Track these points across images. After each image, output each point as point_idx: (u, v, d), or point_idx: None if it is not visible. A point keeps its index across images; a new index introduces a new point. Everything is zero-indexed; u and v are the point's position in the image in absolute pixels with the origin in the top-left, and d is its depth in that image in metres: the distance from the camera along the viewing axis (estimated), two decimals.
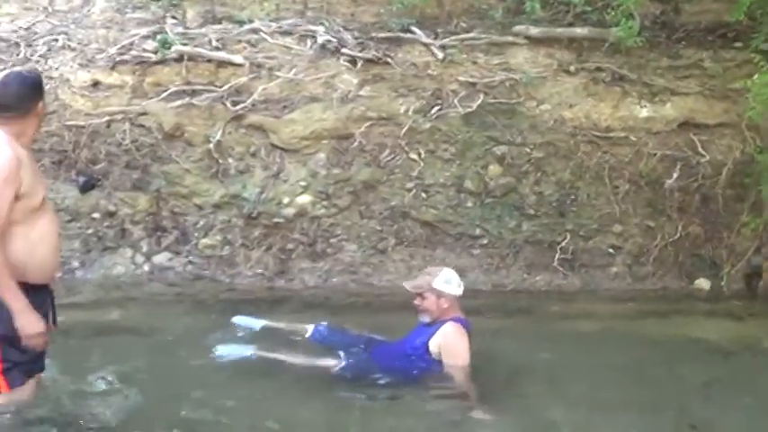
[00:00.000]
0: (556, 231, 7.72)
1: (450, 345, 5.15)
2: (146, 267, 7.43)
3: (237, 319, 5.93)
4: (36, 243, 4.00)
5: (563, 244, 7.68)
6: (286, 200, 7.51)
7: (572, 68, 8.00)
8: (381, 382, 5.16)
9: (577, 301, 7.41)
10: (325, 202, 7.55)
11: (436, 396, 5.09)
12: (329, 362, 5.23)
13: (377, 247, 7.55)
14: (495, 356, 5.86)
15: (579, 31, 8.14)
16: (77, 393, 5.00)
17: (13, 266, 3.87)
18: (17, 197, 3.85)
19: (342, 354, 5.32)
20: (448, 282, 5.23)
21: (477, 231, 7.64)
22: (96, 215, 7.45)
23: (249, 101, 7.58)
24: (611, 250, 7.78)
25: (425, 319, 5.19)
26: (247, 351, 5.46)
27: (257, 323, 5.87)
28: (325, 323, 5.82)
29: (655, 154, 7.83)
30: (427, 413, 4.94)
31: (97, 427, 4.63)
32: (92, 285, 7.26)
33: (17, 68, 4.15)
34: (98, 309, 6.76)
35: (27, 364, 4.09)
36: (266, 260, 7.41)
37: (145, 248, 7.47)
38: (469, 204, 7.66)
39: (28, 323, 3.97)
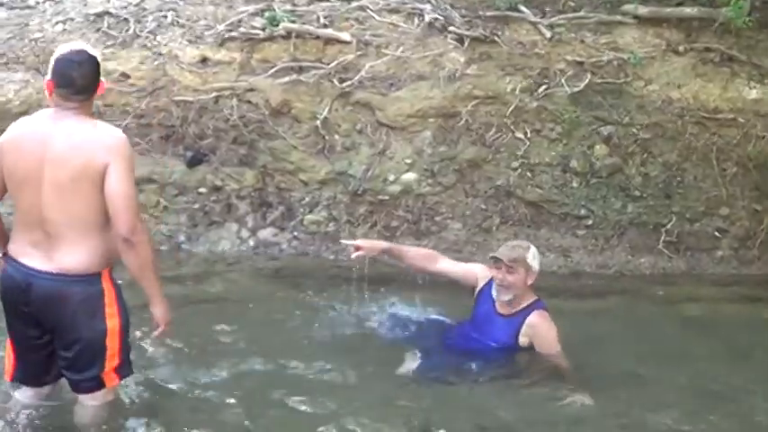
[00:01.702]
0: (661, 213, 7.63)
1: (542, 336, 5.12)
2: (251, 242, 7.45)
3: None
4: None
5: (668, 226, 7.60)
6: (391, 177, 7.50)
7: (680, 49, 7.87)
8: (467, 368, 5.17)
9: (682, 285, 7.35)
10: (430, 180, 7.52)
11: (533, 381, 5.11)
12: (407, 365, 5.18)
13: (481, 225, 7.52)
14: (596, 339, 5.86)
15: (688, 10, 8.01)
16: (177, 362, 5.11)
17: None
18: None
19: (417, 352, 5.26)
20: (536, 258, 5.19)
21: (582, 212, 7.57)
22: (203, 190, 7.48)
23: (356, 78, 7.55)
24: (717, 233, 7.68)
25: (506, 296, 5.10)
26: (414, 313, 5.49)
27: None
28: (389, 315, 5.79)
29: (763, 136, 7.72)
30: (525, 397, 4.98)
31: (197, 395, 4.78)
32: (197, 259, 7.32)
33: (75, 46, 3.97)
34: (203, 282, 6.86)
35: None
36: (371, 237, 7.33)
37: (250, 224, 7.49)
38: (575, 184, 7.59)
39: (166, 312, 4.05)
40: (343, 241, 5.70)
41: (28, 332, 4.02)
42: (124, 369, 4.10)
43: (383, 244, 5.65)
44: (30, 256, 3.87)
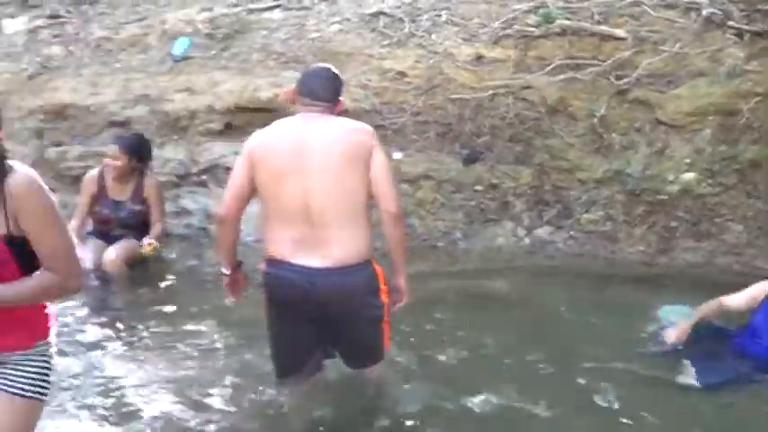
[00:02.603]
0: None
1: None
2: (527, 240, 7.50)
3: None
4: None
5: None
6: (670, 177, 7.37)
7: None
8: (752, 375, 5.04)
9: None
10: (710, 180, 7.35)
11: None
12: (687, 374, 5.03)
13: (763, 228, 7.28)
14: None
15: None
16: (451, 356, 5.23)
17: None
18: None
19: (694, 361, 5.12)
20: None
21: None
22: (479, 187, 7.57)
23: (633, 75, 7.49)
24: None
25: None
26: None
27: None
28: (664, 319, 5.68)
29: None
30: None
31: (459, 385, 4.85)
32: (473, 256, 7.41)
33: (323, 65, 4.38)
34: (479, 279, 6.92)
35: None
36: (648, 238, 7.32)
37: (526, 222, 7.54)
38: None
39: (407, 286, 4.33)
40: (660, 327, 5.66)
41: (299, 331, 4.21)
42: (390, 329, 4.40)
43: (689, 324, 5.53)
44: (302, 255, 4.03)
